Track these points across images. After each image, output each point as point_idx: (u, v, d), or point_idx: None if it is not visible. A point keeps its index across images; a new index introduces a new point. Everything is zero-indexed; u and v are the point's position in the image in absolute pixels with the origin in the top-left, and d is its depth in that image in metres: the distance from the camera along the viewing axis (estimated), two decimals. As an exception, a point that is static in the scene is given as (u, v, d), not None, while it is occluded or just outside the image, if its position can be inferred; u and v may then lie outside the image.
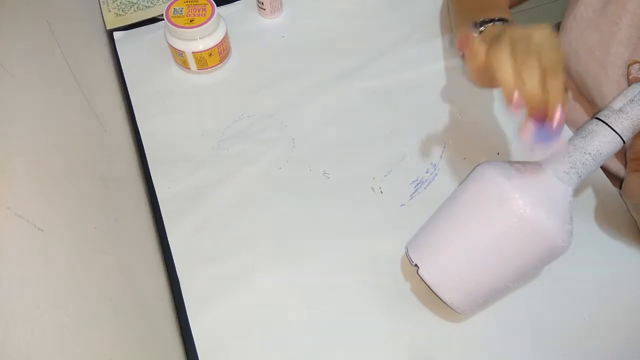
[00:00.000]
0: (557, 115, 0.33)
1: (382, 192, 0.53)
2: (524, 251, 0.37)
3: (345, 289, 0.47)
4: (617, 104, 0.37)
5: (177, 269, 0.49)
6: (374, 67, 0.63)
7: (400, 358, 0.44)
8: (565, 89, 0.37)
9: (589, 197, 0.53)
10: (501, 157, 0.55)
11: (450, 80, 0.62)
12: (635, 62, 0.38)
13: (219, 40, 0.60)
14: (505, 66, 0.34)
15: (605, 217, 0.51)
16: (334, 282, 0.48)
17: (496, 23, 0.45)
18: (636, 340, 0.45)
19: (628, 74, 0.40)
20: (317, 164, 0.55)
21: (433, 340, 0.45)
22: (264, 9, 0.67)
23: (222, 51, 0.61)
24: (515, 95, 0.34)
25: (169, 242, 0.50)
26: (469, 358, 0.44)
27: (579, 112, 0.59)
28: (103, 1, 0.70)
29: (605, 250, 0.50)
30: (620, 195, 0.48)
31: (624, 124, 0.36)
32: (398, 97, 0.61)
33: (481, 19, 0.46)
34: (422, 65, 0.63)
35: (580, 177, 0.37)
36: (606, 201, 0.52)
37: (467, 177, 0.41)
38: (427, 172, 0.55)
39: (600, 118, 0.37)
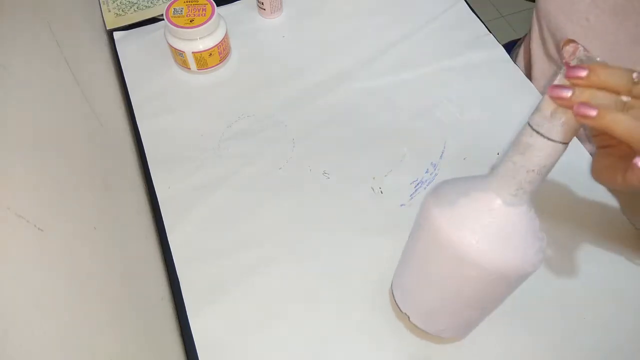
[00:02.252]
0: None
1: (382, 192, 0.53)
2: (489, 290, 0.35)
3: (345, 289, 0.47)
4: (548, 107, 0.29)
5: (177, 269, 0.49)
6: (374, 67, 0.63)
7: (400, 358, 0.44)
8: None
9: (588, 196, 0.53)
10: (501, 157, 0.55)
11: (450, 80, 0.62)
12: (570, 41, 0.30)
13: (219, 40, 0.60)
14: None
15: (605, 216, 0.51)
16: (334, 282, 0.48)
17: None
18: (636, 340, 0.45)
19: (561, 56, 0.33)
20: (317, 164, 0.55)
21: (433, 340, 0.45)
22: (264, 9, 0.67)
23: (222, 51, 0.61)
24: None
25: (169, 242, 0.50)
26: (468, 358, 0.44)
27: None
28: (103, 1, 0.70)
29: (605, 250, 0.50)
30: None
31: (560, 130, 0.29)
32: (398, 97, 0.61)
33: None
34: (422, 65, 0.63)
35: (530, 193, 0.32)
36: (605, 199, 0.52)
37: (420, 211, 0.38)
38: (427, 172, 0.55)
39: (534, 128, 0.30)
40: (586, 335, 0.45)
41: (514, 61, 0.65)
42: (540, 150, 0.30)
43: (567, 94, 0.28)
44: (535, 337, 0.45)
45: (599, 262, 0.49)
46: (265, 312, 0.46)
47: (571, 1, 0.54)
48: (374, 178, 0.54)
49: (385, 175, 0.54)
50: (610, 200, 0.52)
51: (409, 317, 0.41)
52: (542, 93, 0.63)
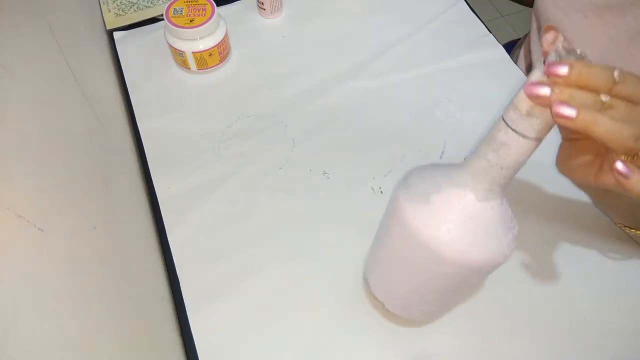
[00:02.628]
0: None
1: (382, 192, 0.53)
2: (461, 281, 0.35)
3: (345, 289, 0.47)
4: (524, 104, 0.27)
5: (177, 269, 0.49)
6: (374, 67, 0.63)
7: (400, 358, 0.44)
8: None
9: (586, 195, 0.53)
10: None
11: (450, 80, 0.62)
12: (550, 28, 0.29)
13: (219, 40, 0.60)
14: None
15: (604, 215, 0.51)
16: (334, 282, 0.48)
17: None
18: (636, 340, 0.45)
19: (541, 43, 0.29)
20: (317, 164, 0.55)
21: (433, 340, 0.45)
22: (264, 9, 0.67)
23: (222, 51, 0.61)
24: None
25: (169, 242, 0.50)
26: (469, 358, 0.44)
27: None
28: (103, 1, 0.70)
29: (605, 249, 0.50)
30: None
31: (536, 128, 0.28)
32: (398, 97, 0.61)
33: None
34: (422, 65, 0.63)
35: (504, 187, 0.32)
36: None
37: (391, 200, 0.38)
38: (427, 172, 0.55)
39: (510, 125, 0.28)
40: (586, 335, 0.45)
41: (515, 61, 0.65)
42: (515, 148, 0.29)
43: (546, 92, 0.26)
44: (536, 337, 0.45)
45: (598, 261, 0.49)
46: (265, 312, 0.46)
47: None
48: (374, 178, 0.54)
49: (385, 175, 0.54)
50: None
51: (383, 304, 0.42)
52: None
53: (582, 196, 0.53)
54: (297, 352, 0.45)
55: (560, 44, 0.28)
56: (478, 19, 0.68)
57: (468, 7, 0.70)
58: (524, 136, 0.28)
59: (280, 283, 0.48)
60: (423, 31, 0.67)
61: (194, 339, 0.45)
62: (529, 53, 0.66)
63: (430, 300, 0.39)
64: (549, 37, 0.28)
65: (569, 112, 0.26)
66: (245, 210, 0.52)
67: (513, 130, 0.28)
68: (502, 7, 1.67)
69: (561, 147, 0.35)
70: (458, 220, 0.32)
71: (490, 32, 0.67)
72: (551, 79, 0.26)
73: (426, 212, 0.32)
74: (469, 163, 0.32)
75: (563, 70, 0.26)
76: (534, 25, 0.63)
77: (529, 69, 0.67)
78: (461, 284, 0.36)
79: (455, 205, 0.32)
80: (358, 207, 0.52)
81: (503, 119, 0.29)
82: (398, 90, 0.61)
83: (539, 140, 0.28)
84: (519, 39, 0.78)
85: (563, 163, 0.34)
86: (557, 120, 0.26)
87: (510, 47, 0.77)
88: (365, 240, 0.50)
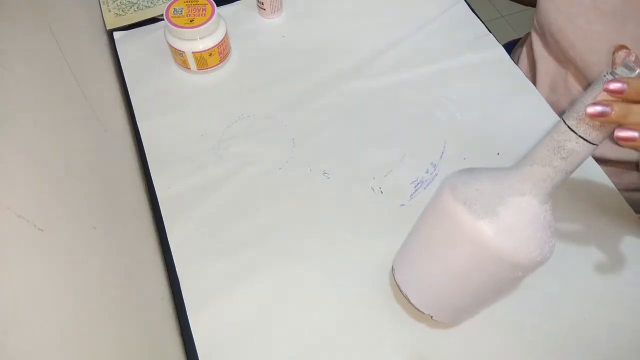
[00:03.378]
0: None
1: (382, 192, 0.53)
2: (488, 271, 0.36)
3: (345, 289, 0.47)
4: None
5: (177, 269, 0.49)
6: (374, 67, 0.63)
7: (400, 358, 0.44)
8: None
9: (587, 195, 0.53)
10: (501, 157, 0.55)
11: (450, 80, 0.62)
12: (622, 47, 0.32)
13: (219, 40, 0.60)
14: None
15: (604, 215, 0.51)
16: (334, 282, 0.48)
17: None
18: (636, 340, 0.45)
19: (613, 61, 0.33)
20: (317, 164, 0.55)
21: (433, 341, 0.45)
22: (264, 9, 0.67)
23: (222, 51, 0.61)
24: None
25: (169, 242, 0.50)
26: (468, 358, 0.44)
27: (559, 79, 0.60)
28: (103, 1, 0.70)
29: (605, 249, 0.50)
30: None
31: (603, 135, 0.31)
32: (398, 97, 0.61)
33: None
34: (422, 65, 0.63)
35: (556, 191, 0.34)
36: (604, 199, 0.52)
37: (436, 194, 0.39)
38: (427, 172, 0.55)
39: (581, 135, 0.31)
40: (586, 335, 0.45)
41: (515, 61, 0.65)
42: (584, 154, 0.32)
43: (607, 111, 0.29)
44: (536, 337, 0.45)
45: (598, 261, 0.49)
46: (265, 312, 0.46)
47: (571, 2, 0.54)
48: (374, 178, 0.54)
49: (385, 175, 0.54)
50: (609, 198, 0.52)
51: (408, 299, 0.41)
52: (551, 90, 0.62)
53: (579, 199, 0.53)
54: (297, 352, 0.45)
55: (628, 60, 0.31)
56: (478, 19, 0.68)
57: (468, 7, 0.70)
58: (593, 144, 0.31)
59: (280, 283, 0.48)
60: (423, 31, 0.67)
61: (194, 339, 0.45)
62: (531, 52, 0.66)
63: (467, 302, 0.40)
64: (621, 54, 0.32)
65: (631, 135, 0.29)
66: (245, 210, 0.52)
67: (584, 139, 0.31)
68: (502, 7, 1.67)
69: None
70: (527, 228, 0.34)
71: (490, 32, 0.67)
72: (610, 95, 0.29)
73: (498, 226, 0.34)
74: (528, 170, 0.34)
75: (620, 87, 0.28)
76: (536, 25, 0.63)
77: (532, 68, 0.67)
78: (505, 285, 0.38)
79: (524, 215, 0.34)
80: (358, 207, 0.52)
81: (572, 130, 0.31)
82: (398, 90, 0.61)
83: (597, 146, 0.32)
84: (519, 39, 0.78)
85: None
86: (621, 143, 0.30)
87: (511, 47, 0.77)
88: (365, 240, 0.50)
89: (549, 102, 0.60)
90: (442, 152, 0.56)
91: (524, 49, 0.70)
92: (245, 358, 0.44)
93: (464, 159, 0.55)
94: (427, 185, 0.54)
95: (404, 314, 0.46)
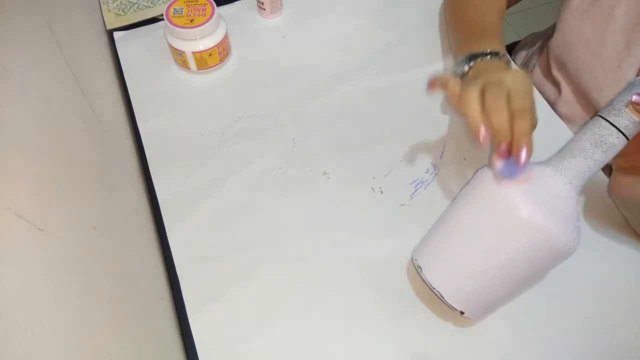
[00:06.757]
0: (522, 155, 0.36)
1: (382, 192, 0.53)
2: (535, 258, 0.37)
3: (345, 289, 0.47)
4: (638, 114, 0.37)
5: (177, 269, 0.49)
6: (374, 67, 0.63)
7: (400, 358, 0.44)
8: (533, 128, 0.39)
9: (587, 196, 0.53)
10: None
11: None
12: None
13: (219, 40, 0.60)
14: (472, 107, 0.39)
15: (604, 215, 0.51)
16: (334, 282, 0.48)
17: (485, 58, 0.47)
18: (636, 340, 0.45)
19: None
20: (317, 164, 0.55)
21: (433, 341, 0.45)
22: (264, 9, 0.67)
23: (222, 51, 0.61)
24: (482, 131, 0.38)
25: (169, 242, 0.50)
26: (468, 358, 0.44)
27: (577, 109, 0.59)
28: (103, 1, 0.70)
29: (605, 249, 0.50)
30: (608, 193, 0.48)
31: (637, 130, 0.37)
32: (398, 97, 0.61)
33: (470, 54, 0.48)
34: (422, 65, 0.63)
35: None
36: (605, 199, 0.52)
37: (473, 187, 0.41)
38: (427, 172, 0.55)
39: (622, 130, 0.37)
40: (586, 335, 0.45)
41: (515, 61, 0.65)
42: (620, 147, 0.37)
43: None
44: (535, 337, 0.45)
45: (598, 261, 0.49)
46: (265, 312, 0.46)
47: (602, 41, 0.52)
48: (374, 178, 0.54)
49: (385, 175, 0.54)
50: (609, 198, 0.52)
51: (441, 295, 0.40)
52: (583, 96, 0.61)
53: (583, 196, 0.53)
54: (297, 352, 0.45)
55: None
56: (478, 19, 0.68)
57: (468, 7, 0.69)
58: (629, 138, 0.37)
59: (280, 283, 0.48)
60: (423, 31, 0.67)
61: (194, 339, 0.45)
62: (544, 52, 0.63)
63: (505, 295, 0.41)
64: None
65: None
66: (245, 210, 0.52)
67: (624, 134, 0.37)
68: (502, 7, 1.66)
69: (614, 175, 0.44)
70: (572, 217, 0.37)
71: (490, 32, 0.66)
72: None
73: (550, 215, 0.36)
74: (571, 162, 0.38)
75: None
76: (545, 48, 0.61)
77: (544, 70, 0.64)
78: (541, 277, 0.40)
79: (568, 205, 0.37)
80: (358, 207, 0.52)
81: (613, 125, 0.37)
82: (398, 90, 0.61)
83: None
84: (519, 40, 0.78)
85: (616, 189, 0.45)
86: None
87: (511, 48, 0.77)
88: (365, 240, 0.50)
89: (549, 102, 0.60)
90: (442, 152, 0.56)
91: (536, 49, 0.68)
92: (245, 358, 0.44)
93: (464, 159, 0.55)
94: (427, 185, 0.54)
95: (404, 313, 0.46)
